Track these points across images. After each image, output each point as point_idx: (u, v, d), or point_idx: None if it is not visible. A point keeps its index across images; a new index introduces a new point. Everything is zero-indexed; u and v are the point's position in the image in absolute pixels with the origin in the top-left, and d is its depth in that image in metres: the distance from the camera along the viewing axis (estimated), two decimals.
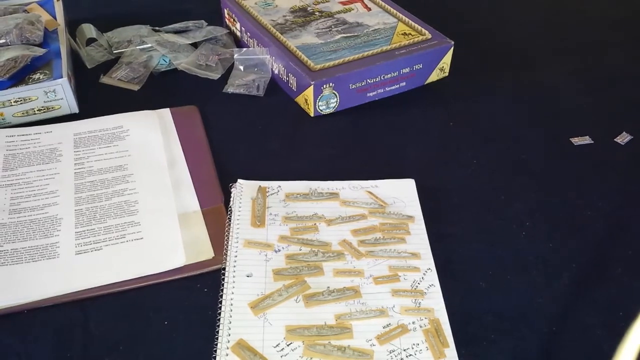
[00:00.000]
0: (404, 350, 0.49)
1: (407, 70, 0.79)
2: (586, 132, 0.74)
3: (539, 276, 0.56)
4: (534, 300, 0.54)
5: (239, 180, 0.64)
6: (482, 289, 0.55)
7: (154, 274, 0.54)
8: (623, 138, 0.74)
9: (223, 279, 0.54)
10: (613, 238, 0.61)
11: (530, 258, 0.58)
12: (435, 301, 0.53)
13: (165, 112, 0.74)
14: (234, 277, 0.54)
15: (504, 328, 0.52)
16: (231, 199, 0.62)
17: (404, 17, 0.85)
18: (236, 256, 0.56)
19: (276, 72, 0.81)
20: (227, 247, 0.57)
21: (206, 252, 0.56)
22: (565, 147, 0.72)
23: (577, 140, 0.73)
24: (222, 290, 0.53)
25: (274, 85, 0.82)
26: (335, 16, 0.86)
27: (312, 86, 0.73)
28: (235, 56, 0.83)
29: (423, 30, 0.82)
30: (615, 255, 0.59)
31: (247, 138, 0.72)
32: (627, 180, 0.68)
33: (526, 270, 0.57)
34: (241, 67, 0.83)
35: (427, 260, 0.57)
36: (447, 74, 0.83)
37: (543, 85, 0.84)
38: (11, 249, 0.56)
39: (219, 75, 0.82)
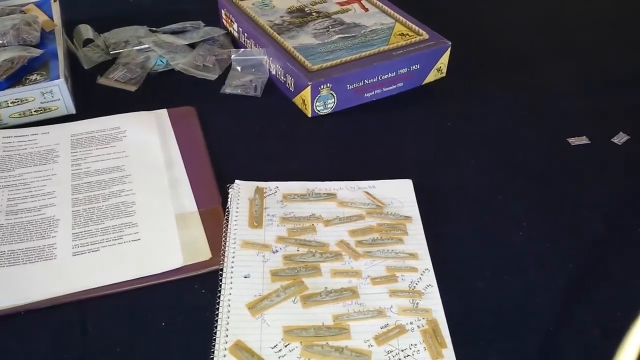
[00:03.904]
0: (402, 350, 0.49)
1: (404, 70, 0.79)
2: (584, 133, 0.74)
3: (537, 276, 0.57)
4: (532, 300, 0.54)
5: (236, 181, 0.63)
6: (480, 289, 0.55)
7: (151, 275, 0.54)
8: (620, 138, 0.74)
9: (220, 280, 0.54)
10: (610, 238, 0.61)
11: (528, 258, 0.58)
12: (433, 302, 0.53)
13: (163, 113, 0.74)
14: (231, 278, 0.54)
15: (501, 328, 0.52)
16: (228, 199, 0.62)
17: (401, 18, 0.85)
18: (234, 257, 0.56)
19: (273, 72, 0.81)
20: (225, 248, 0.57)
21: (204, 253, 0.56)
22: (562, 148, 0.72)
23: (574, 141, 0.73)
24: (219, 291, 0.53)
25: (272, 85, 0.82)
26: (332, 17, 0.86)
27: (309, 87, 0.73)
28: (233, 57, 0.83)
29: (420, 30, 0.82)
30: (612, 255, 0.59)
31: (244, 139, 0.72)
32: (624, 180, 0.68)
33: (524, 270, 0.57)
34: (238, 68, 0.83)
35: (424, 261, 0.57)
36: (444, 75, 0.83)
37: (541, 85, 0.84)
38: (8, 251, 0.56)
39: (216, 76, 0.82)
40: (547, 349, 0.51)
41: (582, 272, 0.57)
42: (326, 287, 0.54)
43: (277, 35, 0.81)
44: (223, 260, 0.55)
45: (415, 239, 0.59)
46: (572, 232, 0.61)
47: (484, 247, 0.59)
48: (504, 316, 0.53)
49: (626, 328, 0.42)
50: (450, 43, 0.80)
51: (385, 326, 0.51)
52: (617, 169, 0.69)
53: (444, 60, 0.81)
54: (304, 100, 0.75)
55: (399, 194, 0.64)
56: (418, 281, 0.55)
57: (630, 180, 0.68)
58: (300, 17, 0.86)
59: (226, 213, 0.60)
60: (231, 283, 0.53)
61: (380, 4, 0.89)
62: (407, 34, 0.82)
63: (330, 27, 0.84)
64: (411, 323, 0.51)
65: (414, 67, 0.79)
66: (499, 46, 0.93)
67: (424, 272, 0.56)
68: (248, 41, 0.86)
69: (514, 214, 0.63)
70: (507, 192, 0.66)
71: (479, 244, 0.60)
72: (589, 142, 0.73)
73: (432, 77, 0.82)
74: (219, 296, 0.52)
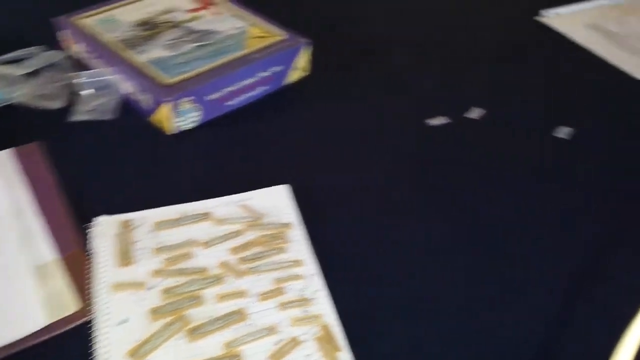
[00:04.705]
0: None
1: (265, 73, 0.77)
2: (446, 113, 0.77)
3: (421, 266, 0.57)
4: (416, 293, 0.55)
5: (97, 218, 0.58)
6: (370, 286, 0.55)
7: (11, 344, 0.48)
8: (477, 113, 0.77)
9: (94, 331, 0.49)
10: (489, 217, 0.63)
11: (411, 248, 0.59)
12: (323, 306, 0.52)
13: (5, 155, 0.66)
14: (106, 327, 0.49)
15: (395, 323, 0.52)
16: (91, 240, 0.57)
17: (255, 20, 0.83)
18: (106, 303, 0.51)
19: (127, 91, 0.76)
20: (94, 294, 0.52)
21: (71, 305, 0.51)
22: (428, 131, 0.74)
23: (433, 121, 0.75)
24: (95, 344, 0.48)
25: (126, 106, 0.76)
26: (183, 25, 0.82)
27: (167, 102, 0.68)
28: (79, 81, 0.76)
29: (276, 31, 0.81)
30: (493, 234, 0.61)
31: (103, 169, 0.67)
32: (493, 154, 0.71)
33: (410, 261, 0.58)
34: (87, 92, 0.76)
35: (309, 266, 0.56)
36: (308, 73, 0.82)
37: (399, 74, 0.86)
38: None
39: (63, 104, 0.75)
40: (440, 337, 0.51)
41: (468, 258, 0.59)
42: (212, 316, 0.51)
43: (125, 51, 0.76)
44: (94, 309, 0.51)
45: (297, 245, 0.58)
46: (452, 217, 0.63)
47: (369, 243, 0.59)
48: (394, 311, 0.53)
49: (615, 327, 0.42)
50: (308, 40, 0.79)
51: (279, 342, 0.49)
52: (482, 144, 0.72)
53: (304, 59, 0.80)
54: (164, 117, 0.71)
55: (276, 202, 0.62)
56: (305, 288, 0.54)
57: (497, 153, 0.71)
58: (149, 29, 0.81)
59: (91, 256, 0.55)
60: (107, 332, 0.49)
61: (232, 8, 0.86)
62: (264, 36, 0.80)
63: (183, 36, 0.80)
64: (305, 333, 0.50)
65: (274, 69, 0.77)
66: (358, 38, 0.94)
67: (310, 277, 0.55)
68: (94, 61, 0.80)
69: (393, 205, 0.63)
70: (382, 184, 0.66)
71: (364, 241, 0.59)
72: (450, 121, 0.76)
73: (295, 76, 0.81)
74: (95, 350, 0.48)
